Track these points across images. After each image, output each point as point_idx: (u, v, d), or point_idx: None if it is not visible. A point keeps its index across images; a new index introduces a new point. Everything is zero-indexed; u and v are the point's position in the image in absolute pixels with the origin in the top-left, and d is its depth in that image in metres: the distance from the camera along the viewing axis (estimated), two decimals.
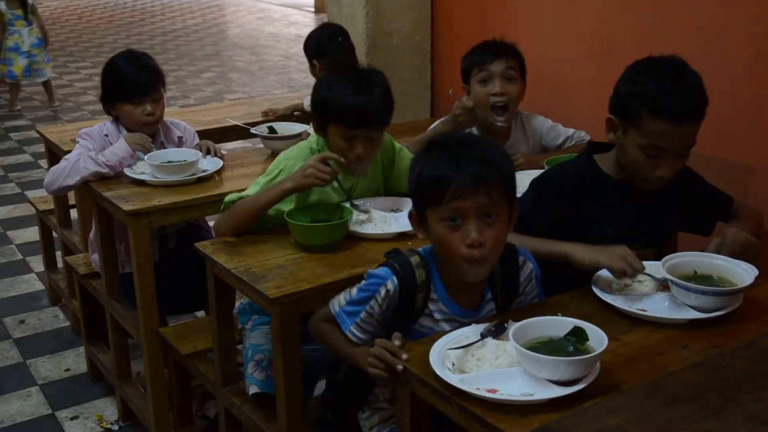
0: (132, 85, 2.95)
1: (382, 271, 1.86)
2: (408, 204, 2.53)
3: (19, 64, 7.73)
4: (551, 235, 2.09)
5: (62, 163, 2.95)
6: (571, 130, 3.04)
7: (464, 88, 2.92)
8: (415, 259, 1.85)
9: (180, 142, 3.16)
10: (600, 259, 1.93)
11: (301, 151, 2.48)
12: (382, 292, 1.84)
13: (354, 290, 1.89)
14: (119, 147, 2.92)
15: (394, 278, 1.83)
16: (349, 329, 1.89)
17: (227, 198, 2.44)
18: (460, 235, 1.71)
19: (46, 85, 8.17)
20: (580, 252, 1.97)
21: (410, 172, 1.84)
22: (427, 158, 1.77)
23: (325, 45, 3.52)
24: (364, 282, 1.88)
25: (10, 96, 8.14)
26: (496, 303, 1.90)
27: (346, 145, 2.34)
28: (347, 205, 2.41)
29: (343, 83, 2.33)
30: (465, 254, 1.72)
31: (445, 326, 1.86)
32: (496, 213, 1.74)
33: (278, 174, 2.41)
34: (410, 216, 1.88)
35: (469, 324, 1.80)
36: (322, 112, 2.36)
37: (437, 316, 1.87)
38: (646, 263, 2.00)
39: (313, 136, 2.51)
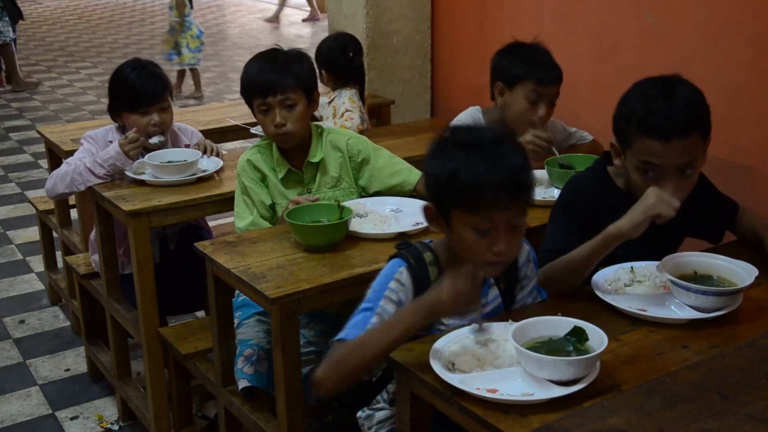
0: (138, 94, 2.92)
1: (391, 264, 1.81)
2: (408, 204, 2.53)
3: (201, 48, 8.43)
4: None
5: (63, 168, 2.94)
6: (572, 129, 3.06)
7: (497, 86, 2.84)
8: (428, 256, 1.82)
9: None
10: (646, 212, 1.85)
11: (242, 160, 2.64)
12: (394, 286, 1.77)
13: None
14: (116, 157, 2.86)
15: (406, 270, 1.79)
16: (370, 322, 1.74)
17: (238, 225, 2.57)
18: (488, 241, 1.69)
19: (195, 71, 8.52)
20: (624, 224, 1.87)
21: (434, 164, 1.73)
22: (463, 159, 1.67)
23: (335, 58, 3.47)
24: (370, 291, 1.80)
25: (179, 81, 8.51)
26: (499, 288, 1.89)
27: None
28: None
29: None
30: (491, 260, 1.71)
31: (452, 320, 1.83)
32: (522, 220, 1.74)
33: (243, 186, 2.59)
34: (426, 209, 1.79)
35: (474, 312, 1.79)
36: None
37: None
38: (645, 264, 2.00)
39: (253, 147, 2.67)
